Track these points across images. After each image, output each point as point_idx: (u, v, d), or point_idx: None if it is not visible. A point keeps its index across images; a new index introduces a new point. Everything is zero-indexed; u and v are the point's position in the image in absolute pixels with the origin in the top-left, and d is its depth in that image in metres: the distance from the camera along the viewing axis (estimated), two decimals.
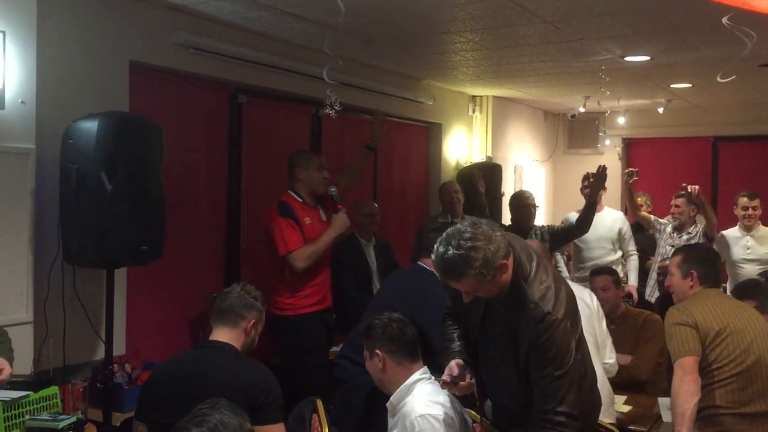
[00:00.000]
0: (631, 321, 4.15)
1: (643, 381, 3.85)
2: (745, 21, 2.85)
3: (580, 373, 2.37)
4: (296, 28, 4.41)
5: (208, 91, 4.54)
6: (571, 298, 2.39)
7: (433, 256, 2.28)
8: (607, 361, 3.42)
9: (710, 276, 3.11)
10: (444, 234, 2.24)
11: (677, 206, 5.70)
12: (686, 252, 3.28)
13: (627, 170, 5.89)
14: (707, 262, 3.16)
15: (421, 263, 3.58)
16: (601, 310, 3.51)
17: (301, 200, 4.22)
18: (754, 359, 2.85)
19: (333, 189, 4.27)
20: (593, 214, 5.14)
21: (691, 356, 2.82)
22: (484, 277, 2.18)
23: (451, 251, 2.17)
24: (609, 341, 3.49)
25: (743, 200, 5.54)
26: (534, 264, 2.34)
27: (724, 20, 2.69)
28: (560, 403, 2.26)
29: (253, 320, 2.71)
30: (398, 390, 2.70)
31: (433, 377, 2.71)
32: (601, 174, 5.13)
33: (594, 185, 5.21)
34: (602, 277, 4.35)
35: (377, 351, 2.75)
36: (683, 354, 2.83)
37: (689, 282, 3.12)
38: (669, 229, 5.83)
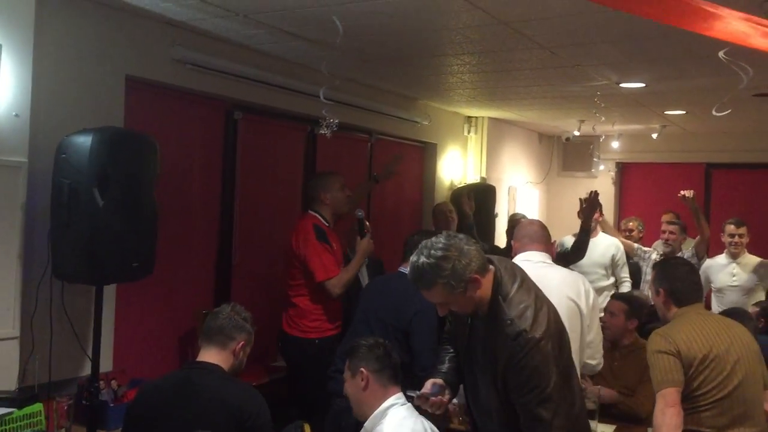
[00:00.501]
0: (636, 354, 3.92)
1: (643, 418, 3.71)
2: (741, 54, 2.87)
3: (568, 401, 2.34)
4: (294, 47, 4.42)
5: (204, 107, 4.53)
6: (555, 321, 2.38)
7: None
8: (588, 361, 3.26)
9: (680, 291, 2.99)
10: (420, 244, 2.34)
11: (672, 233, 5.70)
12: (657, 268, 3.21)
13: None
14: (674, 278, 3.02)
15: (403, 269, 3.63)
16: (593, 304, 3.24)
17: (327, 224, 4.29)
18: (737, 382, 2.82)
19: (360, 212, 4.31)
20: (588, 241, 5.13)
21: (673, 387, 2.79)
22: (453, 288, 2.26)
23: (422, 260, 2.28)
24: (598, 339, 3.30)
25: (730, 227, 5.56)
26: (516, 284, 2.36)
27: (721, 54, 2.71)
28: (547, 430, 2.25)
29: (243, 342, 2.69)
30: (373, 415, 2.68)
31: (407, 402, 2.70)
32: (592, 200, 5.13)
33: (586, 211, 5.18)
34: (614, 302, 4.17)
35: (362, 369, 2.73)
36: (665, 385, 2.80)
37: (661, 300, 3.05)
38: (654, 256, 5.83)
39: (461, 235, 2.35)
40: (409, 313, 3.46)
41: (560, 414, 2.26)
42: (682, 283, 3.01)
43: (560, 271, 3.24)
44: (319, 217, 4.30)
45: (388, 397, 2.69)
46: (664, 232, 5.76)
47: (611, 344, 4.05)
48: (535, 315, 2.29)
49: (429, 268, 2.26)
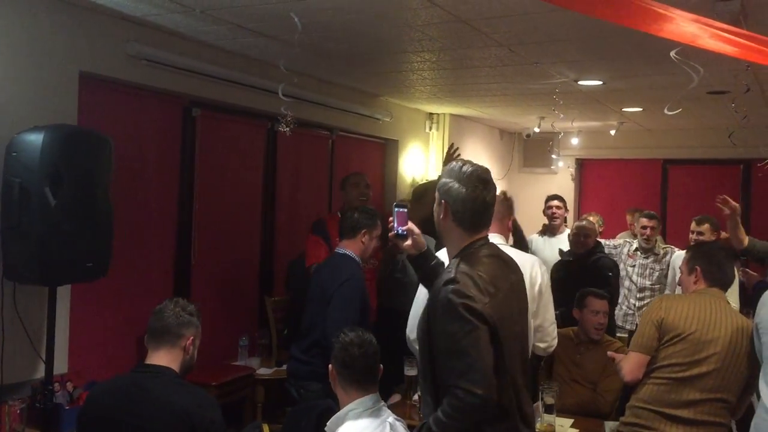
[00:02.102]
0: (601, 347, 3.98)
1: (605, 413, 3.76)
2: (693, 54, 2.92)
3: (484, 360, 2.17)
4: (252, 43, 4.37)
5: (162, 104, 4.46)
6: (499, 305, 2.27)
7: None
8: (537, 344, 3.24)
9: (713, 273, 3.10)
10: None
11: (653, 228, 5.68)
12: (694, 249, 3.34)
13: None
14: (712, 259, 3.13)
15: (342, 250, 3.70)
16: (542, 289, 3.21)
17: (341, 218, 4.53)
18: (704, 371, 2.89)
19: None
20: (523, 237, 5.42)
21: (639, 354, 2.99)
22: (437, 190, 2.40)
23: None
24: (547, 323, 3.25)
25: (692, 224, 5.61)
26: (480, 267, 2.29)
27: (672, 54, 2.76)
28: (459, 378, 2.13)
29: (192, 337, 2.64)
30: (336, 415, 2.66)
31: (374, 408, 2.63)
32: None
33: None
34: (602, 302, 4.15)
35: (330, 366, 2.72)
36: (634, 348, 3.04)
37: (693, 278, 3.14)
38: (627, 249, 5.87)
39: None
40: (333, 288, 3.60)
41: (476, 369, 2.13)
42: (717, 267, 3.13)
43: (515, 255, 3.12)
44: (339, 213, 4.62)
45: (349, 402, 2.63)
46: (644, 228, 5.73)
47: (581, 338, 4.10)
48: (475, 283, 2.21)
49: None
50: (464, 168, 2.36)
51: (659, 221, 5.73)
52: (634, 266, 5.72)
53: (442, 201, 2.38)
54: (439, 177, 2.47)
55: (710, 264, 3.11)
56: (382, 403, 2.69)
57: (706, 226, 5.54)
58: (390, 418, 2.62)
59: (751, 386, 2.97)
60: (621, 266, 5.78)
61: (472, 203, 2.33)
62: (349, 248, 3.79)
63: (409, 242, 2.50)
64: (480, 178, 2.35)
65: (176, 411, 2.39)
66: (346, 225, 3.84)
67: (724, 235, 4.69)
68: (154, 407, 2.41)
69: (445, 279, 2.26)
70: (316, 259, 4.41)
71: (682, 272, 3.29)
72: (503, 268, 2.41)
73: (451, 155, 4.78)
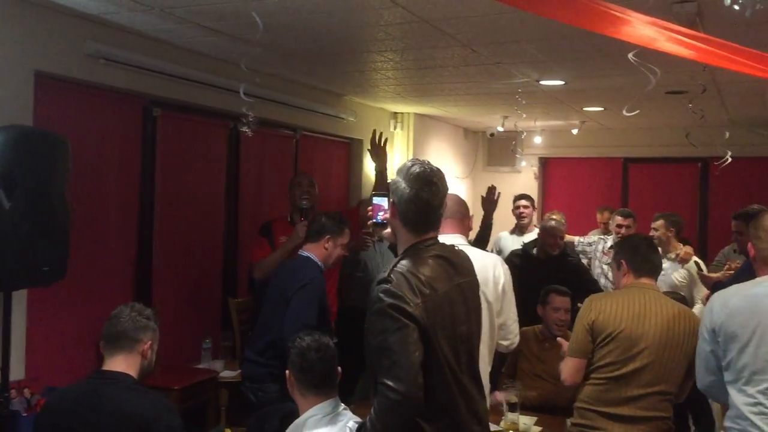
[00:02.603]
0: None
1: (565, 407, 3.71)
2: (651, 56, 2.96)
3: (409, 358, 2.15)
4: (213, 42, 4.32)
5: (121, 104, 4.39)
6: (438, 308, 2.27)
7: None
8: (500, 341, 3.23)
9: (638, 264, 3.10)
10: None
11: (629, 227, 5.68)
12: (617, 245, 3.38)
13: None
14: (636, 251, 3.14)
15: (305, 252, 3.69)
16: (504, 288, 3.23)
17: (290, 220, 4.74)
18: (638, 366, 2.90)
19: (304, 203, 4.62)
20: (489, 235, 5.45)
21: (575, 358, 3.03)
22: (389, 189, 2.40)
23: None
24: (510, 321, 3.25)
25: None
26: (423, 265, 2.30)
27: (630, 56, 2.79)
28: (383, 375, 2.14)
29: (149, 341, 2.61)
30: (295, 422, 2.64)
31: (334, 412, 2.63)
32: (489, 197, 5.48)
33: (485, 206, 5.49)
34: (562, 299, 4.16)
35: (287, 371, 2.70)
36: (570, 353, 3.08)
37: (622, 273, 3.15)
38: (602, 246, 5.92)
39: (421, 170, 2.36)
40: (292, 290, 3.58)
41: (399, 365, 2.12)
42: (639, 256, 3.13)
43: (476, 255, 3.10)
44: (289, 215, 4.82)
45: (308, 407, 2.62)
46: (620, 226, 5.77)
47: (545, 334, 4.14)
48: (409, 284, 2.21)
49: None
50: (412, 168, 2.34)
51: (635, 219, 5.76)
52: (609, 263, 5.75)
53: (391, 200, 2.38)
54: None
55: (634, 255, 3.12)
56: (342, 406, 2.68)
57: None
58: (350, 422, 2.61)
59: (691, 373, 3.00)
60: (596, 263, 5.88)
61: (416, 204, 2.31)
62: (312, 251, 3.76)
63: (388, 230, 2.46)
64: (425, 180, 2.32)
65: (132, 418, 2.36)
66: (312, 228, 3.82)
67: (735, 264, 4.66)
68: (110, 414, 2.37)
69: (379, 278, 2.26)
70: (255, 257, 4.58)
71: (612, 269, 3.32)
72: (447, 270, 2.38)
73: (377, 145, 4.59)
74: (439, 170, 2.38)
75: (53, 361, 3.94)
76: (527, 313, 4.02)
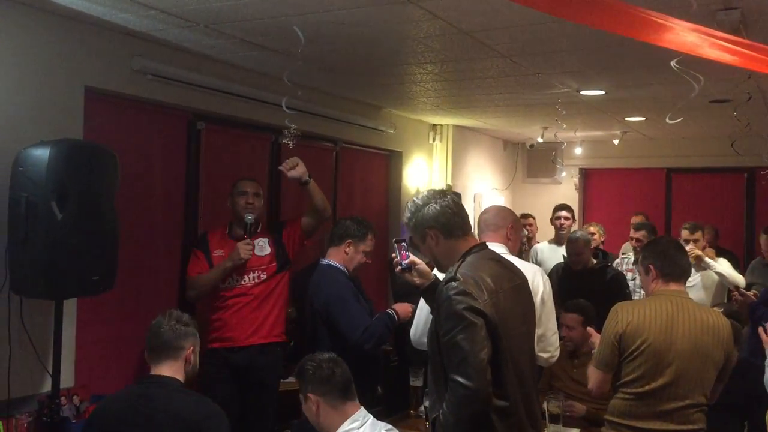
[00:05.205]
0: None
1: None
2: (694, 63, 2.93)
3: (477, 354, 2.27)
4: (256, 57, 4.41)
5: (166, 118, 4.49)
6: (498, 303, 2.38)
7: None
8: (540, 354, 3.21)
9: (666, 268, 3.02)
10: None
11: (639, 240, 5.65)
12: (644, 249, 3.28)
13: None
14: (664, 254, 3.06)
15: (326, 261, 3.65)
16: (545, 299, 3.27)
17: (228, 231, 4.26)
18: (667, 381, 2.85)
19: (249, 217, 4.11)
20: None
21: (600, 371, 2.98)
22: (415, 232, 2.58)
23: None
24: (549, 333, 3.28)
25: (684, 233, 5.56)
26: (478, 270, 2.42)
27: (673, 63, 2.77)
28: (453, 371, 2.27)
29: (191, 346, 2.69)
30: None
31: (367, 421, 2.65)
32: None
33: None
34: (571, 316, 4.14)
35: (309, 395, 2.68)
36: (595, 364, 3.02)
37: (650, 278, 3.07)
38: (626, 264, 5.84)
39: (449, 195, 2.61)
40: (320, 302, 3.53)
41: (468, 361, 2.24)
42: (668, 260, 3.06)
43: (518, 265, 3.18)
44: (229, 225, 4.30)
45: (344, 420, 2.62)
46: (632, 238, 5.73)
47: (570, 353, 4.09)
48: (475, 281, 2.35)
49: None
50: (418, 198, 2.60)
51: (649, 231, 5.66)
52: (634, 280, 5.63)
53: (427, 231, 2.53)
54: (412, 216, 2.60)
55: (663, 259, 3.04)
56: (370, 416, 2.70)
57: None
58: (383, 429, 2.63)
59: (722, 378, 2.94)
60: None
61: (448, 210, 2.53)
62: (332, 257, 3.69)
63: (415, 275, 2.59)
64: (436, 192, 2.61)
65: (182, 420, 2.41)
66: (335, 231, 3.77)
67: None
68: (161, 418, 2.42)
69: (446, 278, 2.40)
70: (191, 272, 4.17)
71: (640, 274, 3.24)
72: (504, 271, 2.53)
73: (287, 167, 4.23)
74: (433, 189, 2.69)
75: (101, 370, 4.03)
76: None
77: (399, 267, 2.59)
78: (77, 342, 3.79)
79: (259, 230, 4.22)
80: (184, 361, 2.64)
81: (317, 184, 4.37)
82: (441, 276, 2.58)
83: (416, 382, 3.76)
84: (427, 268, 2.63)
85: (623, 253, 6.24)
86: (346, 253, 3.70)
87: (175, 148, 4.59)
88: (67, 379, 3.57)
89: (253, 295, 4.17)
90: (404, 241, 2.63)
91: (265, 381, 4.23)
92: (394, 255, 2.63)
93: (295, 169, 4.13)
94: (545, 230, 6.68)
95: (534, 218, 6.96)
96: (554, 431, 3.43)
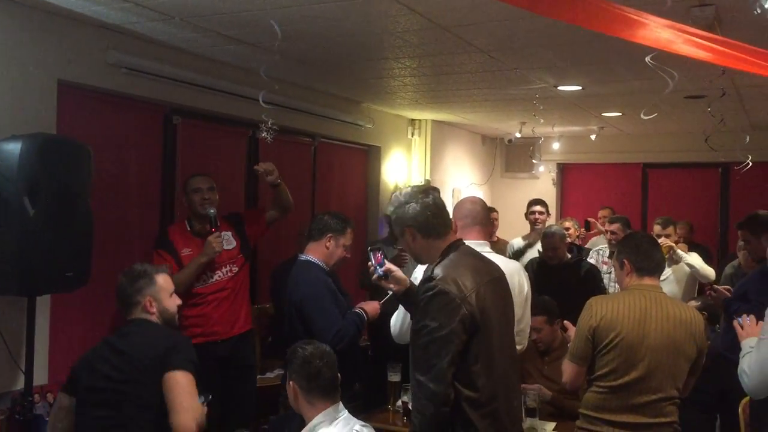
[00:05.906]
0: (564, 353, 3.85)
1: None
2: (669, 60, 2.96)
3: (441, 357, 2.33)
4: (232, 51, 4.37)
5: (142, 112, 4.44)
6: (481, 300, 2.42)
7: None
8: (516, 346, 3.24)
9: (640, 262, 3.03)
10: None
11: (614, 233, 5.63)
12: (619, 243, 3.31)
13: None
14: (638, 249, 3.07)
15: (304, 256, 3.68)
16: (526, 296, 3.39)
17: (189, 229, 4.23)
18: (641, 374, 2.86)
19: (212, 211, 4.12)
20: None
21: (575, 364, 3.01)
22: (395, 226, 2.62)
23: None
24: (525, 327, 3.40)
25: (657, 228, 5.55)
26: (458, 267, 2.48)
27: (648, 59, 2.79)
28: (418, 370, 2.37)
29: (149, 297, 2.85)
30: (305, 428, 2.66)
31: (340, 417, 2.65)
32: None
33: None
34: (534, 319, 3.99)
35: (291, 382, 2.70)
36: (570, 357, 3.05)
37: (624, 272, 3.08)
38: (602, 257, 5.87)
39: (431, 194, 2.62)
40: (298, 301, 3.51)
41: (438, 366, 2.32)
42: (642, 255, 3.06)
43: (499, 262, 3.21)
44: (186, 223, 4.26)
45: (316, 414, 2.63)
46: (607, 231, 5.74)
47: (541, 352, 4.10)
48: (454, 278, 2.39)
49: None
50: (402, 194, 2.62)
51: (623, 223, 5.66)
52: (609, 273, 5.60)
53: (405, 229, 2.56)
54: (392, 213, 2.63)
55: (637, 254, 3.05)
56: (345, 410, 2.70)
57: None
58: (356, 425, 2.63)
59: (694, 372, 2.97)
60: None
61: (429, 210, 2.54)
62: (311, 253, 3.65)
63: (391, 282, 2.62)
64: (419, 191, 2.62)
65: (153, 348, 2.69)
66: (314, 227, 3.74)
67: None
68: (135, 347, 2.73)
69: (423, 278, 2.46)
70: None
71: (615, 269, 3.26)
72: (482, 264, 2.59)
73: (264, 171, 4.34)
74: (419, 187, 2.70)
75: None
76: None
77: (375, 275, 2.60)
78: (51, 339, 3.75)
79: (218, 222, 4.23)
80: (146, 311, 2.83)
81: (295, 179, 4.43)
82: (420, 270, 2.60)
83: (394, 377, 3.76)
84: (402, 275, 2.64)
85: (595, 248, 6.24)
86: (327, 248, 3.67)
87: (151, 142, 4.54)
88: (40, 377, 3.52)
89: (230, 288, 4.22)
90: (379, 249, 2.64)
91: (247, 362, 4.36)
92: (370, 264, 2.61)
93: (272, 174, 4.31)
94: (521, 225, 6.67)
95: (497, 212, 6.87)
96: (531, 425, 3.45)
